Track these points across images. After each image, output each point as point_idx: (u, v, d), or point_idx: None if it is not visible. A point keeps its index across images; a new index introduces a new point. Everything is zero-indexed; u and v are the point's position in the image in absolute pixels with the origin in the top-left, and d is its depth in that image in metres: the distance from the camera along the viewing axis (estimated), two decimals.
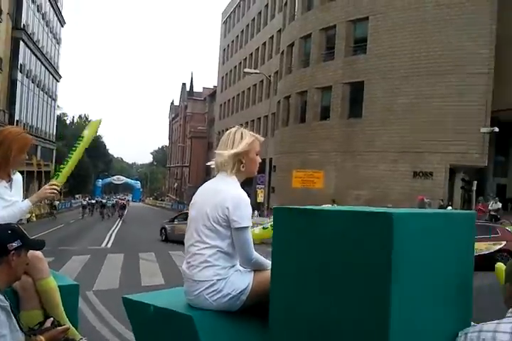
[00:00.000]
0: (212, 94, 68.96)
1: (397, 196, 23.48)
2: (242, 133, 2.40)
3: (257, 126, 44.54)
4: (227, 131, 2.45)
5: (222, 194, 2.25)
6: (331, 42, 29.90)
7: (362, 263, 1.61)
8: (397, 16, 26.23)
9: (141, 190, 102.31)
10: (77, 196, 61.42)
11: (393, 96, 25.93)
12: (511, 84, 24.12)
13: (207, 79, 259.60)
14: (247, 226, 2.22)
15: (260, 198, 23.97)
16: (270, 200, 28.49)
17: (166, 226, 20.48)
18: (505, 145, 30.57)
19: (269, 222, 17.37)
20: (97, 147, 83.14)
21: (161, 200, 76.00)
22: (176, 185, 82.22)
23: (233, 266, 2.28)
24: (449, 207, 20.04)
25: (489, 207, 19.47)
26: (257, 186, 24.60)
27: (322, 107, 30.33)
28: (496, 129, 20.94)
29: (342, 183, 27.02)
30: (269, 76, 33.86)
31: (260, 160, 2.48)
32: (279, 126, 34.60)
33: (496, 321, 1.74)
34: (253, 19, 49.50)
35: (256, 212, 24.77)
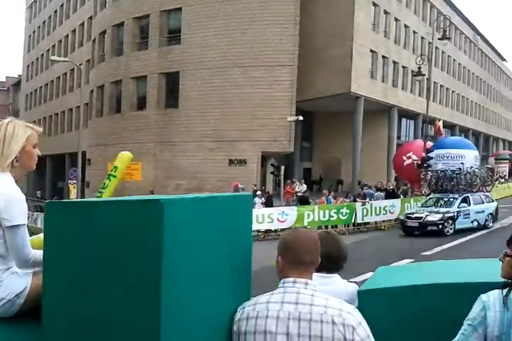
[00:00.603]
0: (17, 84, 63.03)
1: (215, 184, 24.27)
2: (15, 126, 2.17)
3: (68, 117, 42.00)
4: None
5: None
6: (145, 31, 29.40)
7: (134, 255, 1.57)
8: (208, 9, 26.84)
9: None
10: None
11: (207, 86, 26.61)
12: (314, 76, 26.57)
13: (10, 67, 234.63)
14: (21, 224, 2.02)
15: (73, 194, 22.54)
16: (85, 196, 27.02)
17: None
18: (310, 132, 33.72)
19: None
20: None
21: None
22: None
23: (8, 269, 2.05)
24: (258, 192, 21.19)
25: (296, 189, 21.26)
26: (70, 181, 23.12)
27: (138, 97, 29.76)
28: (301, 118, 22.85)
29: (161, 174, 26.97)
30: (80, 64, 31.97)
31: (39, 153, 2.28)
32: (93, 117, 32.99)
33: (270, 293, 1.85)
34: (62, 5, 46.44)
35: None
